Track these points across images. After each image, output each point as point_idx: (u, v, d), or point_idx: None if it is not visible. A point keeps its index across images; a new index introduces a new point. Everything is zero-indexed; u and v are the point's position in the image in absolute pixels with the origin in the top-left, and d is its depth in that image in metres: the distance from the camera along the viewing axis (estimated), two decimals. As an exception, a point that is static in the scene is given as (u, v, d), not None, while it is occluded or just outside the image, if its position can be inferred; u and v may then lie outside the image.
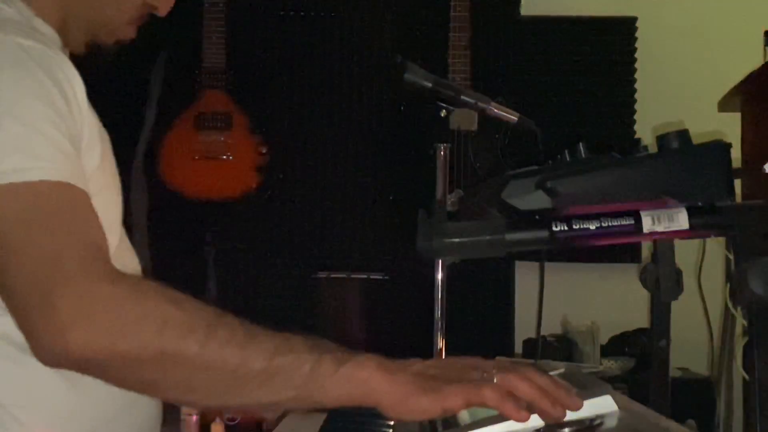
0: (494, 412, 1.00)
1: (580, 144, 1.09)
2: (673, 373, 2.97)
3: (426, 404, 0.97)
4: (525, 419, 0.95)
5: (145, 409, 1.29)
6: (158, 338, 0.97)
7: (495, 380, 0.99)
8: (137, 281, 1.03)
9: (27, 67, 1.10)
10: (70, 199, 1.06)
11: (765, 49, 2.66)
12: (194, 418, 2.87)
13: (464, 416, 1.12)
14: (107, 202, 1.21)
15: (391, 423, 1.34)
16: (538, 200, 1.04)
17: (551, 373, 1.22)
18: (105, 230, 1.12)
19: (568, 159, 1.09)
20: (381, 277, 3.33)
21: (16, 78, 1.09)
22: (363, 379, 0.98)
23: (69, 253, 1.00)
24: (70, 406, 1.20)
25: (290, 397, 0.99)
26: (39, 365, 1.05)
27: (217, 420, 2.91)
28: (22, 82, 1.09)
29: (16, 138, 1.04)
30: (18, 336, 1.04)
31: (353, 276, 3.30)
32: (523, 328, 3.44)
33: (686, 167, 1.05)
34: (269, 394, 0.99)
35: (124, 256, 1.34)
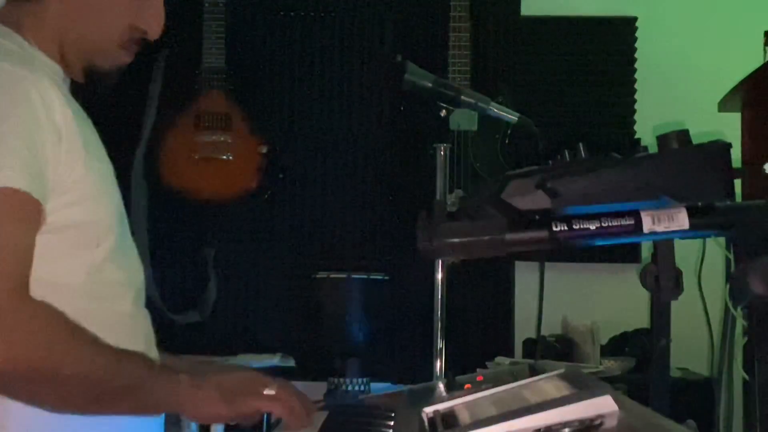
0: (494, 412, 1.00)
1: (580, 144, 1.08)
2: (673, 373, 2.98)
3: (223, 410, 1.32)
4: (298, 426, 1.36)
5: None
6: (49, 358, 1.14)
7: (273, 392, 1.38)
8: (38, 303, 1.16)
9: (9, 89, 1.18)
10: (9, 210, 1.14)
11: (765, 49, 2.67)
12: (194, 418, 2.87)
13: (464, 416, 1.12)
14: (95, 209, 1.25)
15: (391, 423, 1.34)
16: (538, 200, 1.04)
17: (551, 373, 1.22)
18: (96, 235, 1.26)
19: (568, 159, 1.09)
20: (381, 277, 3.33)
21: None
22: (179, 392, 1.29)
23: None
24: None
25: (143, 406, 1.29)
26: None
27: (217, 420, 2.91)
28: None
29: None
30: None
31: (353, 276, 3.30)
32: (523, 328, 3.44)
33: (686, 167, 1.05)
34: (132, 404, 1.26)
35: (124, 258, 1.35)
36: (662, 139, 1.07)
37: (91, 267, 1.29)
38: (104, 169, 1.34)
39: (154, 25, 1.42)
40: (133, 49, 1.42)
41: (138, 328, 1.38)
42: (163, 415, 1.42)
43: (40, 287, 1.18)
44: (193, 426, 2.86)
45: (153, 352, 1.38)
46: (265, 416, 1.44)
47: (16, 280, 1.14)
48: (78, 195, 1.24)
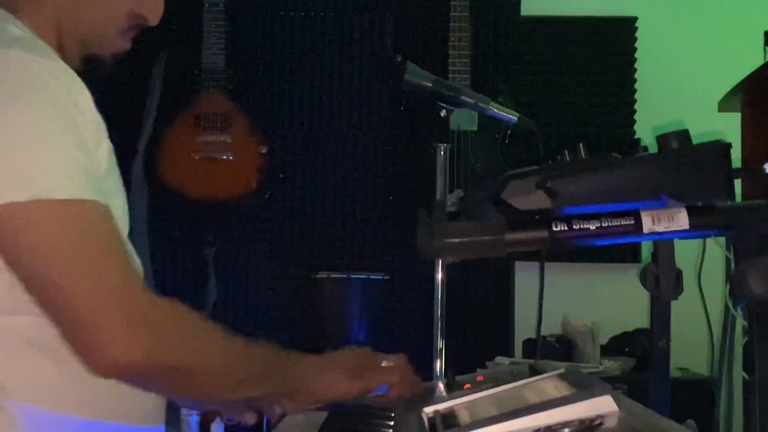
0: (494, 412, 1.00)
1: (580, 144, 1.08)
2: (673, 373, 2.98)
3: (351, 387, 1.35)
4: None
5: (149, 401, 1.32)
6: (190, 352, 1.18)
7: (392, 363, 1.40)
8: (167, 301, 1.18)
9: (46, 86, 1.14)
10: (103, 217, 1.16)
11: (765, 49, 2.66)
12: (194, 418, 2.87)
13: (464, 416, 1.12)
14: (114, 209, 1.24)
15: (391, 423, 1.34)
16: (538, 200, 1.04)
17: (551, 373, 1.22)
18: None
19: (568, 159, 1.09)
20: (381, 277, 3.33)
21: (37, 99, 1.13)
22: (309, 374, 1.35)
23: (113, 274, 1.12)
24: (72, 397, 1.22)
25: (278, 388, 1.33)
26: (45, 360, 1.17)
27: (217, 420, 2.91)
28: (43, 103, 1.13)
29: (47, 157, 1.10)
30: (27, 331, 1.15)
31: (353, 276, 3.30)
32: (523, 328, 3.44)
33: (686, 167, 1.05)
34: (264, 389, 1.30)
35: (135, 260, 1.35)
36: (662, 139, 1.07)
37: None
38: (116, 166, 1.32)
39: (154, 11, 1.38)
40: (130, 36, 1.39)
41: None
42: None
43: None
44: (193, 425, 2.87)
45: None
46: (265, 416, 1.44)
47: (139, 281, 1.17)
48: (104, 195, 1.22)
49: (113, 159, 1.28)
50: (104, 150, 1.22)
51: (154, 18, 1.39)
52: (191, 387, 1.24)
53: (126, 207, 1.36)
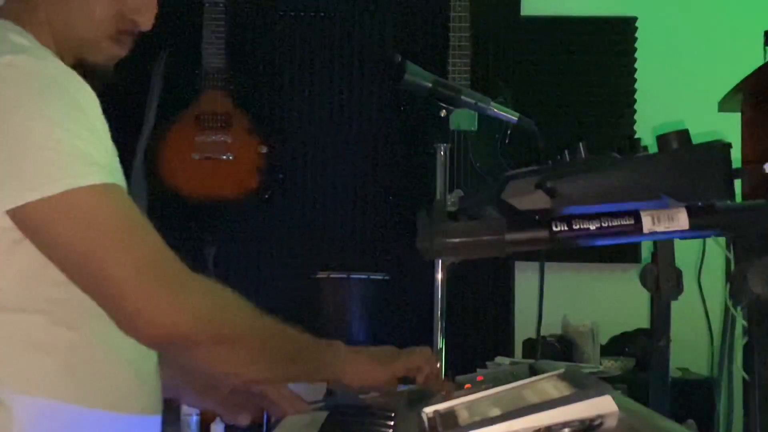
0: (494, 412, 1.00)
1: (580, 144, 1.08)
2: (673, 373, 2.98)
3: (382, 373, 1.43)
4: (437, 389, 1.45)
5: (146, 392, 1.33)
6: (232, 324, 1.23)
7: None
8: (198, 275, 1.23)
9: (60, 85, 1.18)
10: (129, 198, 1.24)
11: (765, 49, 2.66)
12: (194, 418, 2.87)
13: (464, 416, 1.12)
14: None
15: (391, 423, 1.34)
16: (538, 200, 1.04)
17: (551, 373, 1.22)
18: None
19: (568, 159, 1.09)
20: (381, 277, 3.33)
21: (54, 97, 1.17)
22: (340, 358, 1.39)
23: (152, 248, 1.21)
24: (71, 389, 1.23)
25: (310, 371, 1.37)
26: (45, 357, 1.19)
27: (217, 420, 2.91)
28: (59, 100, 1.17)
29: (71, 149, 1.15)
30: (30, 329, 1.18)
31: (353, 276, 3.30)
32: (523, 328, 3.44)
33: (686, 167, 1.04)
34: (300, 370, 1.35)
35: None
36: (662, 139, 1.07)
37: None
38: (118, 168, 1.34)
39: (145, 15, 1.36)
40: (125, 41, 1.37)
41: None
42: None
43: (55, 286, 1.19)
44: (193, 425, 2.87)
45: (154, 355, 1.38)
46: (265, 416, 1.44)
47: (174, 255, 1.22)
48: None
49: (116, 160, 1.29)
50: (110, 151, 1.25)
51: (145, 21, 1.37)
52: (230, 359, 1.25)
53: None
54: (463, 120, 3.21)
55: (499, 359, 2.98)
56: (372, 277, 3.31)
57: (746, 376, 1.06)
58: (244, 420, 1.49)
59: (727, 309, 1.34)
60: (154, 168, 3.42)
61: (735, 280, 1.02)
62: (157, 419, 1.38)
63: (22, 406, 1.19)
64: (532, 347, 3.10)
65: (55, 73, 1.19)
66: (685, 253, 1.20)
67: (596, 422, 0.95)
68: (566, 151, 1.09)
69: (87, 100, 1.20)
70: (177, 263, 1.21)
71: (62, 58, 1.32)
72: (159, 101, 3.49)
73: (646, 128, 3.49)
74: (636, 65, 3.59)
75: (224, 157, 3.42)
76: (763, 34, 2.70)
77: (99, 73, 1.37)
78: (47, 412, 1.21)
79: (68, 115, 1.16)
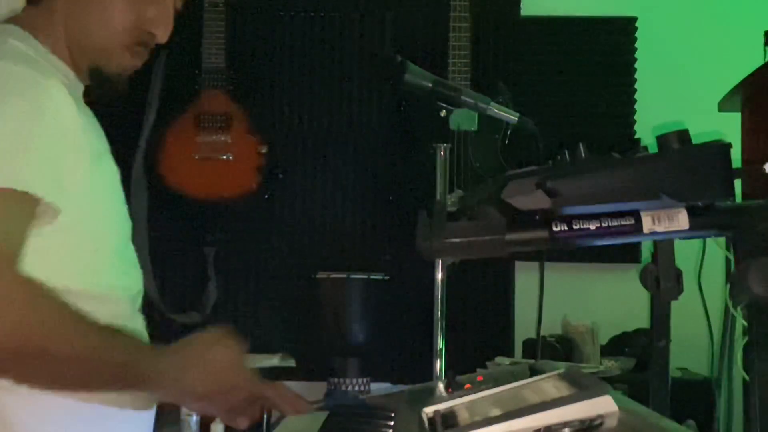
0: (494, 412, 1.00)
1: (580, 144, 1.08)
2: (673, 373, 2.98)
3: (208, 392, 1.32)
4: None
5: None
6: (40, 334, 1.13)
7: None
8: (27, 279, 1.15)
9: (27, 90, 1.19)
10: (12, 206, 1.16)
11: (765, 49, 2.67)
12: (194, 418, 2.87)
13: (464, 416, 1.12)
14: (94, 214, 1.28)
15: (391, 423, 1.34)
16: (538, 200, 1.04)
17: (551, 373, 1.22)
18: (94, 239, 1.29)
19: (568, 159, 1.09)
20: (381, 277, 3.33)
21: (13, 102, 1.18)
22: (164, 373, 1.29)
23: None
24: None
25: (136, 384, 1.27)
26: None
27: (217, 420, 2.91)
28: (18, 105, 1.18)
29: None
30: None
31: (353, 276, 3.30)
32: (523, 328, 3.44)
33: (686, 167, 1.04)
34: (122, 385, 1.26)
35: (123, 263, 1.35)
36: (662, 139, 1.07)
37: (88, 270, 1.30)
38: (109, 175, 1.35)
39: (161, 27, 1.39)
40: (141, 52, 1.40)
41: (133, 332, 1.38)
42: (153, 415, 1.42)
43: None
44: (193, 425, 2.86)
45: None
46: (265, 416, 1.44)
47: (11, 263, 1.14)
48: (78, 199, 1.24)
49: (107, 167, 1.29)
50: (85, 149, 1.25)
51: (162, 34, 1.39)
52: (39, 373, 1.17)
53: (125, 209, 1.38)
54: (463, 120, 3.21)
55: (499, 359, 2.98)
56: (372, 277, 3.31)
57: (746, 376, 1.06)
58: (243, 423, 1.49)
59: (727, 309, 1.34)
60: (154, 168, 3.42)
61: (735, 280, 1.02)
62: (150, 415, 1.39)
63: (14, 401, 1.20)
64: (532, 347, 3.10)
65: (26, 76, 1.20)
66: (685, 253, 1.20)
67: (596, 422, 0.95)
68: (566, 151, 1.09)
69: (55, 104, 1.21)
70: (8, 272, 1.13)
71: (76, 66, 1.36)
72: (159, 101, 3.49)
73: (646, 128, 3.49)
74: (636, 65, 3.59)
75: (224, 157, 3.42)
76: (763, 34, 2.70)
77: (112, 84, 1.39)
78: (39, 406, 1.21)
79: (21, 116, 1.17)
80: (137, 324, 1.42)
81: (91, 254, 1.31)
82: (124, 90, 1.40)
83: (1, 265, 1.12)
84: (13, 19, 1.35)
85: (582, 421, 0.95)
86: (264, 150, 3.45)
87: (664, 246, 1.13)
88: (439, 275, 1.84)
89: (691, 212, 1.05)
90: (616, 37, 3.62)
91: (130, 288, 1.40)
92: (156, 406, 1.44)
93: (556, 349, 3.02)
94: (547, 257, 1.87)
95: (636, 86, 3.59)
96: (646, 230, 1.05)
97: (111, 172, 1.36)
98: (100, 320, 1.22)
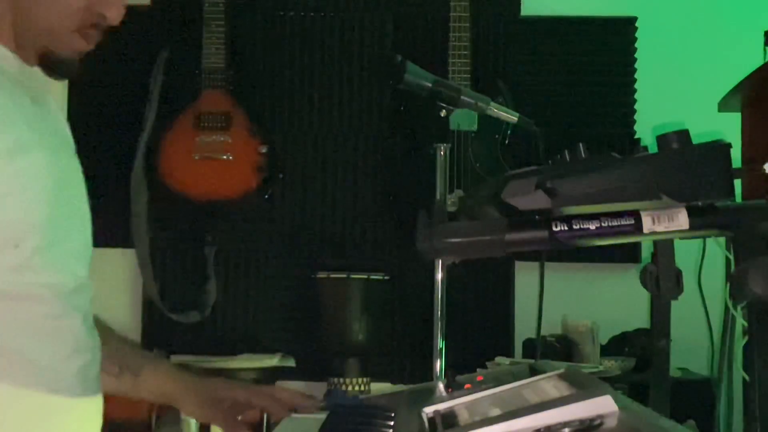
0: (494, 412, 1.00)
1: (580, 144, 1.08)
2: (673, 373, 2.98)
3: None
4: None
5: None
6: None
7: None
8: None
9: None
10: None
11: (765, 49, 2.67)
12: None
13: (464, 416, 1.12)
14: (12, 208, 1.22)
15: (391, 423, 1.34)
16: (538, 200, 1.04)
17: (551, 373, 1.22)
18: (13, 236, 1.22)
19: (568, 159, 1.09)
20: (381, 277, 3.33)
21: None
22: None
23: None
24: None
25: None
26: None
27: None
28: None
29: None
30: None
31: (353, 276, 3.30)
32: (523, 328, 3.44)
33: (686, 167, 1.04)
34: None
35: (57, 260, 1.31)
36: (662, 139, 1.07)
37: (7, 267, 1.23)
38: (33, 170, 1.25)
39: (113, 9, 1.30)
40: (92, 35, 1.31)
41: (63, 332, 1.31)
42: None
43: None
44: (194, 425, 2.86)
45: (81, 358, 1.33)
46: (266, 416, 1.44)
47: None
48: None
49: (33, 161, 1.25)
50: (24, 140, 1.22)
51: (114, 15, 1.31)
52: None
53: (71, 204, 1.34)
54: (463, 120, 3.23)
55: (499, 359, 2.98)
56: (372, 277, 3.31)
57: (746, 376, 1.06)
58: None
59: (727, 309, 1.34)
60: (154, 168, 3.42)
61: (735, 280, 1.02)
62: (97, 400, 1.37)
63: None
64: (532, 347, 3.10)
65: None
66: (685, 253, 1.20)
67: (596, 422, 0.95)
68: (566, 151, 1.09)
69: None
70: None
71: (24, 50, 1.30)
72: (159, 101, 3.49)
73: (646, 128, 3.49)
74: (636, 65, 3.59)
75: (224, 157, 3.42)
76: (763, 34, 2.70)
77: (63, 66, 1.32)
78: None
79: None
80: (70, 323, 1.33)
81: (5, 249, 1.23)
82: (76, 73, 1.33)
83: None
84: None
85: (582, 421, 0.95)
86: (264, 150, 3.45)
87: (664, 246, 1.13)
88: (439, 275, 1.83)
89: (691, 212, 1.05)
90: (616, 37, 3.62)
91: (61, 285, 1.31)
92: (156, 406, 1.43)
93: (556, 349, 3.02)
94: (547, 257, 1.86)
95: (636, 86, 3.59)
96: (646, 230, 1.05)
97: (38, 166, 1.26)
98: (20, 318, 1.20)
